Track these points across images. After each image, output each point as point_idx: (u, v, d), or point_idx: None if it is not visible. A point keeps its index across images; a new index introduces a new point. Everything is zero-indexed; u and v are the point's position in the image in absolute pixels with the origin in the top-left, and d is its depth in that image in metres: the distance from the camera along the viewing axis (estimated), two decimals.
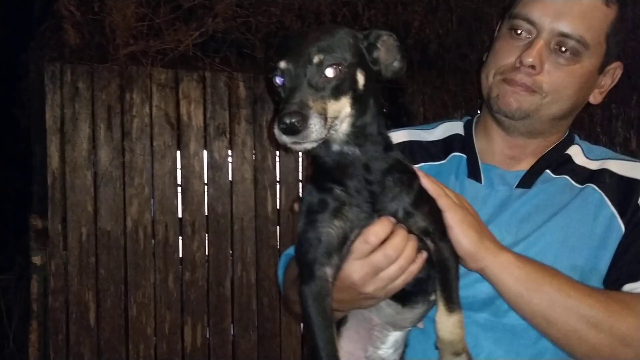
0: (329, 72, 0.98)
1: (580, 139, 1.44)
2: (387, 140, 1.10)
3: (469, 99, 3.60)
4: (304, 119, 0.92)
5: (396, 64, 1.09)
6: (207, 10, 3.09)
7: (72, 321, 3.14)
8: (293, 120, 0.91)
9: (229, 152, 3.42)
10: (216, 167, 3.40)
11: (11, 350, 3.37)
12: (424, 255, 1.14)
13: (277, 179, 3.52)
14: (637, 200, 1.25)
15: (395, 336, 1.25)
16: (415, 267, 1.13)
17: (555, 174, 1.34)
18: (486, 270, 1.15)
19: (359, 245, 1.08)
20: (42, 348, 3.15)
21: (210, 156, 3.38)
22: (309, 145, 0.96)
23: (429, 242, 1.13)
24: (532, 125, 1.32)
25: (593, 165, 1.34)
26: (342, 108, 1.00)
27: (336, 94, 0.98)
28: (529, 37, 1.28)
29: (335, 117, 0.98)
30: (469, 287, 1.21)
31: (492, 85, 1.32)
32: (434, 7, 3.44)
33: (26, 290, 3.15)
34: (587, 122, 4.07)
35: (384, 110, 1.10)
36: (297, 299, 1.25)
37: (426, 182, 1.12)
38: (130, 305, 3.24)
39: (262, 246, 3.49)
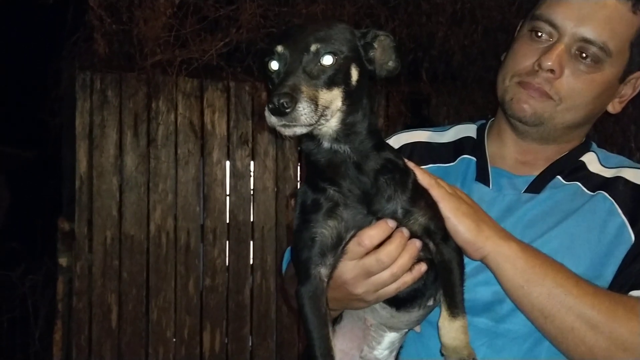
0: (325, 61, 0.98)
1: (611, 152, 1.38)
2: (379, 140, 1.09)
3: (494, 111, 3.54)
4: (294, 101, 0.91)
5: (391, 64, 1.09)
6: (232, 21, 3.16)
7: (94, 322, 3.22)
8: (282, 101, 0.90)
9: (251, 161, 3.47)
10: (238, 175, 3.45)
11: (36, 348, 3.47)
12: (422, 268, 1.12)
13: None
14: None
15: (391, 337, 1.24)
16: (409, 278, 1.11)
17: (566, 181, 1.29)
18: (487, 259, 1.12)
19: (353, 247, 1.07)
20: (65, 348, 3.24)
21: (232, 165, 3.43)
22: (298, 130, 0.95)
23: (430, 244, 1.11)
24: (545, 132, 1.28)
25: (608, 173, 1.28)
26: (334, 99, 0.99)
27: (329, 84, 0.98)
28: (550, 41, 1.24)
29: (326, 107, 0.97)
30: (470, 291, 1.18)
31: (507, 88, 1.28)
32: (459, 18, 3.42)
33: (52, 291, 3.24)
34: (619, 137, 3.97)
35: (374, 110, 1.10)
36: (293, 295, 1.27)
37: (418, 173, 1.11)
38: (151, 308, 3.30)
39: (282, 255, 3.50)
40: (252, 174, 3.46)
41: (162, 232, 3.32)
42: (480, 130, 1.42)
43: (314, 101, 0.95)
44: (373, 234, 1.06)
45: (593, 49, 1.20)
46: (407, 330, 1.26)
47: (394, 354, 1.27)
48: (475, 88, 3.63)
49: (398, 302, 1.16)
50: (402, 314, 1.19)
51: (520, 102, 1.25)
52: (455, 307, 1.11)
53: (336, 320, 1.25)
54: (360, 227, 1.06)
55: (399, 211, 1.07)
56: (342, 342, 1.22)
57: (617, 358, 1.08)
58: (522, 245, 1.13)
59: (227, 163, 3.42)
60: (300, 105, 0.92)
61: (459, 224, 1.09)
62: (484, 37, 3.49)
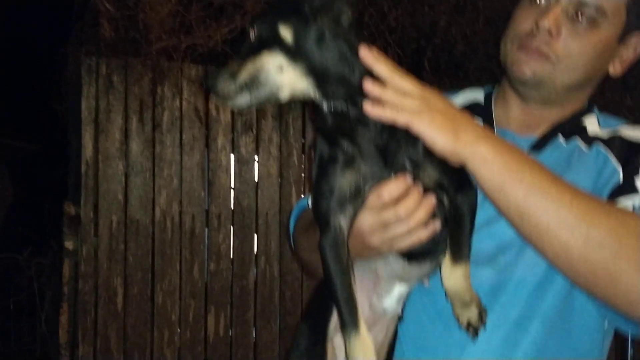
0: (252, 33, 1.06)
1: None
2: None
3: None
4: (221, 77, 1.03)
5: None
6: (237, 8, 3.19)
7: (100, 305, 3.26)
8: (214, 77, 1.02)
9: (256, 148, 3.50)
10: (243, 161, 3.49)
11: (42, 331, 3.51)
12: (436, 226, 1.16)
13: (302, 175, 3.59)
14: None
15: (400, 289, 1.27)
16: (424, 234, 1.15)
17: (566, 140, 1.33)
18: (467, 164, 1.11)
19: (373, 199, 1.10)
20: (72, 330, 3.28)
21: (237, 151, 3.47)
22: (231, 105, 1.05)
23: (444, 197, 1.14)
24: (546, 94, 1.32)
25: (605, 133, 1.32)
26: (262, 65, 1.04)
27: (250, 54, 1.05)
28: (548, 4, 1.28)
29: (255, 78, 1.03)
30: (474, 244, 1.22)
31: (508, 52, 1.32)
32: (461, 7, 3.45)
33: (59, 274, 3.28)
34: None
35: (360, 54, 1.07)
36: (306, 246, 1.31)
37: (377, 109, 1.07)
38: (156, 292, 3.34)
39: (285, 241, 3.54)
40: (256, 160, 3.50)
41: (167, 217, 3.35)
42: (488, 96, 1.47)
43: (239, 74, 1.04)
44: (392, 188, 1.09)
45: (589, 10, 1.24)
46: (416, 283, 1.30)
47: (402, 305, 1.31)
48: (478, 77, 3.67)
49: (411, 255, 1.20)
50: (414, 267, 1.23)
51: (520, 64, 1.29)
52: (460, 254, 1.15)
53: None
54: (378, 181, 1.10)
55: (409, 163, 1.10)
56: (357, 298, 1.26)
57: (593, 257, 1.08)
58: (500, 145, 1.12)
59: (232, 149, 3.46)
60: (221, 79, 1.04)
61: (436, 137, 1.07)
62: (486, 26, 3.53)
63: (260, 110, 3.47)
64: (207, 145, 3.41)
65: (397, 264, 1.23)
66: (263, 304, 3.53)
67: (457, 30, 3.47)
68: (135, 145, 3.29)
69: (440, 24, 3.41)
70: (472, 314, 1.19)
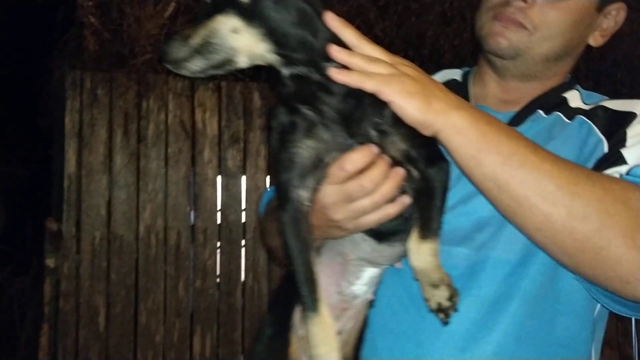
0: None
1: None
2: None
3: None
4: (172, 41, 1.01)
5: None
6: None
7: (81, 325, 3.14)
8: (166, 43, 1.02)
9: (243, 161, 3.44)
10: (230, 175, 3.42)
11: (22, 354, 3.38)
12: (405, 200, 1.09)
13: None
14: (626, 129, 1.15)
15: (371, 273, 1.20)
16: (392, 210, 1.08)
17: (546, 114, 1.26)
18: (439, 134, 1.02)
19: (335, 171, 1.04)
20: (52, 352, 3.16)
21: (224, 164, 3.41)
22: (185, 72, 1.02)
23: (414, 171, 1.07)
24: (524, 66, 1.27)
25: (588, 107, 1.25)
26: (215, 28, 0.99)
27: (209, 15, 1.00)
28: None
29: (208, 41, 0.99)
30: (450, 222, 1.14)
31: (483, 24, 1.28)
32: (449, 17, 3.44)
33: (40, 293, 3.18)
34: None
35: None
36: (271, 230, 1.24)
37: (345, 73, 1.00)
38: (140, 311, 3.23)
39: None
40: (244, 173, 3.43)
41: (152, 233, 3.27)
42: (465, 74, 1.42)
43: (191, 39, 1.01)
44: (356, 158, 1.02)
45: None
46: (387, 266, 1.22)
47: (373, 290, 1.22)
48: None
49: (380, 234, 1.13)
50: (384, 248, 1.15)
51: (495, 35, 1.24)
52: (428, 229, 1.07)
53: None
54: (341, 151, 1.03)
55: (374, 133, 1.03)
56: (319, 279, 1.18)
57: (577, 228, 0.98)
58: (476, 113, 1.04)
59: (219, 163, 3.40)
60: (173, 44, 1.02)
61: (406, 105, 0.99)
62: (474, 37, 3.51)
63: (247, 122, 3.42)
64: (192, 158, 3.36)
65: (366, 245, 1.16)
66: (251, 323, 3.41)
67: (445, 41, 3.45)
68: (119, 159, 3.23)
69: (428, 35, 3.40)
70: (441, 296, 1.09)
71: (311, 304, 1.04)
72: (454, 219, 1.16)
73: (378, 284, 1.24)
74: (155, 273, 3.26)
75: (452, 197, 1.16)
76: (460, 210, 1.18)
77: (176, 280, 3.30)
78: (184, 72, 1.03)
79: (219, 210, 3.39)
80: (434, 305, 1.10)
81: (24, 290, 3.45)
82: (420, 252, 1.08)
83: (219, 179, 3.38)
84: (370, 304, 1.24)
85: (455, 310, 1.10)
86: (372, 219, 1.08)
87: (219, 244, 3.38)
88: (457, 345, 1.14)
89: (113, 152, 3.22)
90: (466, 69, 1.46)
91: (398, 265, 1.22)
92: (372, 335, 1.24)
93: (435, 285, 1.09)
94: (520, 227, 1.05)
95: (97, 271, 3.17)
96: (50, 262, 3.15)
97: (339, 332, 1.21)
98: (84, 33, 3.03)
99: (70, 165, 3.17)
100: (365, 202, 1.06)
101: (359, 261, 1.19)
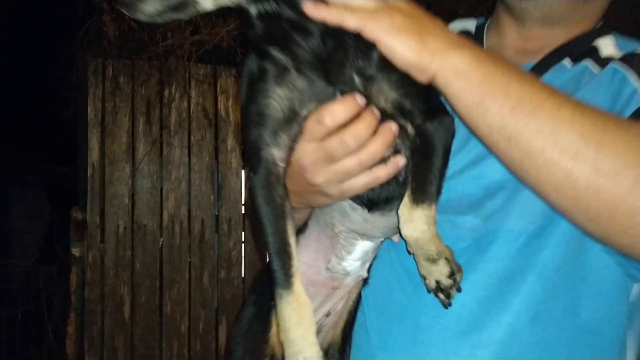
0: None
1: None
2: None
3: None
4: None
5: None
6: None
7: (107, 314, 3.13)
8: None
9: None
10: None
11: (50, 342, 3.41)
12: (399, 161, 0.92)
13: None
14: None
15: (363, 246, 1.04)
16: (383, 173, 0.92)
17: (573, 63, 1.06)
18: (436, 78, 0.85)
19: (312, 125, 0.88)
20: (79, 340, 3.16)
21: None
22: (140, 15, 0.86)
23: (408, 126, 0.90)
24: (547, 7, 1.07)
25: (622, 54, 1.04)
26: None
27: None
28: None
29: None
30: (457, 188, 0.99)
31: None
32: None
33: (66, 282, 3.18)
34: None
35: None
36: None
37: (320, 9, 0.84)
38: (165, 301, 3.20)
39: None
40: None
41: (176, 222, 3.22)
42: (480, 25, 1.23)
43: None
44: (336, 110, 0.86)
45: None
46: (382, 239, 1.06)
47: (367, 265, 1.07)
48: None
49: (371, 202, 0.97)
50: (377, 218, 1.00)
51: None
52: (423, 193, 0.90)
53: (300, 230, 1.06)
54: (320, 101, 0.87)
55: (360, 81, 0.86)
56: (305, 254, 1.03)
57: (605, 188, 0.79)
58: (479, 53, 0.86)
59: (242, 151, 3.32)
60: None
61: (396, 43, 0.82)
62: None
63: None
64: (216, 146, 3.29)
65: (357, 215, 1.00)
66: None
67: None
68: (142, 148, 3.19)
69: (459, 14, 3.21)
70: (441, 272, 0.92)
71: (283, 280, 0.88)
72: (461, 185, 1.00)
73: (373, 260, 1.08)
74: (180, 263, 3.22)
75: (460, 160, 1.00)
76: (469, 175, 1.01)
77: (201, 270, 3.25)
78: (139, 15, 0.87)
79: (244, 199, 3.32)
80: (432, 283, 0.94)
81: (51, 279, 3.46)
82: (413, 220, 0.91)
83: (242, 167, 3.31)
84: (364, 282, 1.09)
85: (458, 290, 0.94)
86: (359, 183, 0.93)
87: (243, 233, 3.32)
88: (461, 328, 0.97)
89: (136, 141, 3.18)
90: (481, 19, 1.26)
91: (395, 238, 1.06)
92: (363, 317, 1.09)
93: (432, 260, 0.92)
94: (535, 187, 0.86)
95: (122, 260, 3.15)
96: (75, 251, 3.15)
97: (328, 314, 1.07)
98: (103, 19, 2.98)
99: (94, 154, 3.15)
100: (349, 163, 0.90)
101: (349, 233, 1.03)
